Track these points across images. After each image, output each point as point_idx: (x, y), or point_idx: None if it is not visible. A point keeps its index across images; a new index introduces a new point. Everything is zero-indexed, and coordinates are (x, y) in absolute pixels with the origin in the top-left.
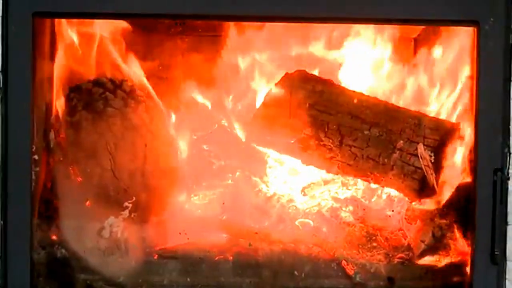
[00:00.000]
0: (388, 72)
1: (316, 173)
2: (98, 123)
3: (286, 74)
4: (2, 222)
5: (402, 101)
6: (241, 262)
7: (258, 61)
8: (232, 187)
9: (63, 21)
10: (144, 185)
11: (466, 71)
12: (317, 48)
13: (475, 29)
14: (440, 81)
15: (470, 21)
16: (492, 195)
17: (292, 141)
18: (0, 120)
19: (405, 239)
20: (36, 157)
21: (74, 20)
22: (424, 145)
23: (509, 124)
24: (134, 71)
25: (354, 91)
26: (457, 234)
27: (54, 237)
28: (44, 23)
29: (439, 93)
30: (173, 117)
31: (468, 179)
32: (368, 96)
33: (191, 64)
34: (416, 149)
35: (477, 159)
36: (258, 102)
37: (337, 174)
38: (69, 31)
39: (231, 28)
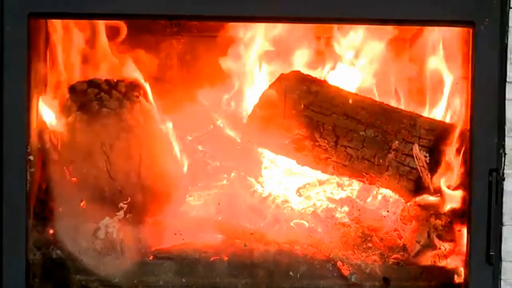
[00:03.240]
0: (383, 72)
1: (311, 174)
2: (93, 123)
3: (281, 74)
4: None
5: (397, 102)
6: (236, 262)
7: (254, 61)
8: (227, 188)
9: (59, 21)
10: (140, 186)
11: (461, 71)
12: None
13: (471, 30)
14: (435, 81)
15: (466, 22)
16: (488, 196)
17: (287, 142)
18: None
19: (400, 240)
20: (31, 157)
21: (69, 21)
22: (419, 145)
23: (504, 125)
24: (129, 71)
25: (349, 92)
26: (452, 234)
27: (49, 238)
28: (40, 23)
29: (434, 94)
30: (169, 118)
31: (464, 179)
32: (363, 96)
33: (186, 65)
34: (411, 149)
35: (472, 159)
36: (253, 103)
37: (332, 175)
38: (64, 32)
39: (227, 29)
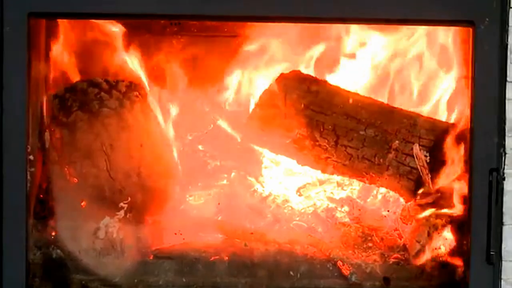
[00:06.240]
0: (383, 72)
1: (311, 174)
2: (93, 123)
3: (282, 74)
4: None
5: (398, 102)
6: (236, 262)
7: (254, 61)
8: (228, 188)
9: (58, 21)
10: (140, 186)
11: (461, 71)
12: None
13: (471, 29)
14: (435, 81)
15: (466, 21)
16: (488, 195)
17: (288, 142)
18: None
19: (400, 239)
20: (31, 157)
21: (69, 20)
22: (419, 145)
23: (504, 124)
24: (129, 71)
25: (349, 91)
26: (453, 234)
27: (49, 238)
28: (40, 23)
29: (434, 93)
30: (169, 117)
31: (464, 179)
32: (363, 96)
33: (186, 65)
34: (412, 149)
35: (472, 159)
36: (254, 103)
37: (333, 174)
38: (64, 31)
39: (227, 28)
